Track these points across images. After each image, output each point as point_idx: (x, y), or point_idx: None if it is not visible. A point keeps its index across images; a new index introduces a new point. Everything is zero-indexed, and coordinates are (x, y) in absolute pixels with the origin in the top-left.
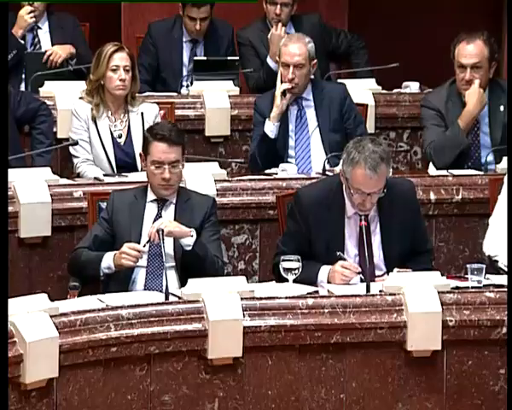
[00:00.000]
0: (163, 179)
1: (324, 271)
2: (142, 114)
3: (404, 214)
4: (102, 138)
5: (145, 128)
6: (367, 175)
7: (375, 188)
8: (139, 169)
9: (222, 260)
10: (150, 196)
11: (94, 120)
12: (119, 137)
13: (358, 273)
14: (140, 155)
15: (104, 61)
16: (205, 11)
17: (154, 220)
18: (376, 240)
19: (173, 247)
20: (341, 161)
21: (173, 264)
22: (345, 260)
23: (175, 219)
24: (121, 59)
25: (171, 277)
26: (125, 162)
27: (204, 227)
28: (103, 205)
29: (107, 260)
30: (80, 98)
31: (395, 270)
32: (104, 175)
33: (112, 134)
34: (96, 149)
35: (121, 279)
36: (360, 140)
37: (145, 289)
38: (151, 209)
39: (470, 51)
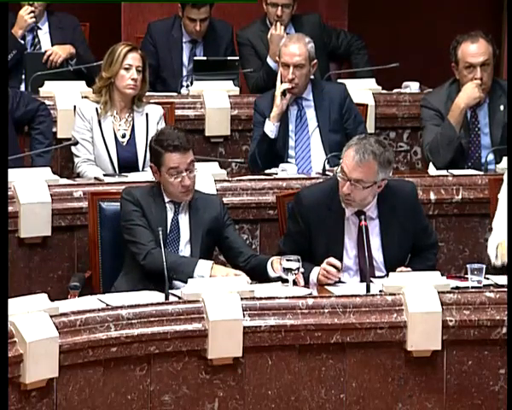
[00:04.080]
0: (183, 187)
1: (315, 271)
2: (146, 115)
3: (405, 218)
4: (105, 138)
5: (149, 130)
6: (352, 156)
7: (356, 174)
8: (140, 169)
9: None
10: (166, 197)
11: (98, 119)
12: (123, 136)
13: (338, 271)
14: (151, 166)
15: (118, 60)
16: (205, 12)
17: (172, 222)
18: (376, 243)
19: (190, 247)
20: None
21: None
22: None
23: (189, 221)
24: (134, 59)
25: None
26: (127, 162)
27: (227, 230)
28: (104, 205)
29: (203, 270)
30: (85, 97)
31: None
32: (104, 175)
33: (115, 134)
34: (98, 148)
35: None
36: (366, 135)
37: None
38: (169, 211)
39: (477, 50)
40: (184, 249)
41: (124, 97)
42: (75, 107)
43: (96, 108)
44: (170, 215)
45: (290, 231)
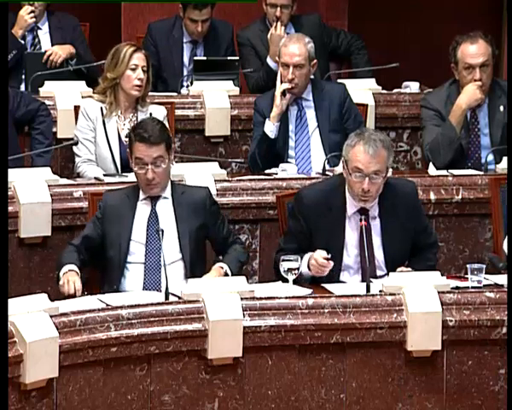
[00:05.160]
0: (147, 180)
1: (306, 257)
2: (150, 114)
3: (406, 217)
4: (109, 138)
5: None
6: (364, 150)
7: (373, 167)
8: None
9: (237, 237)
10: (142, 194)
11: (103, 119)
12: (127, 136)
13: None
14: (127, 152)
15: (124, 60)
16: (206, 13)
17: (149, 217)
18: (377, 241)
19: (178, 241)
20: (343, 149)
21: (180, 256)
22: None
23: (175, 215)
24: (140, 59)
25: (177, 270)
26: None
27: (211, 222)
28: None
29: (62, 272)
30: (89, 97)
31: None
32: (104, 175)
33: (119, 134)
34: (101, 148)
35: (116, 275)
36: (361, 129)
37: (144, 285)
38: (144, 208)
39: (477, 51)
40: (171, 244)
41: (129, 98)
42: (75, 107)
43: (101, 108)
44: (145, 213)
45: (291, 229)
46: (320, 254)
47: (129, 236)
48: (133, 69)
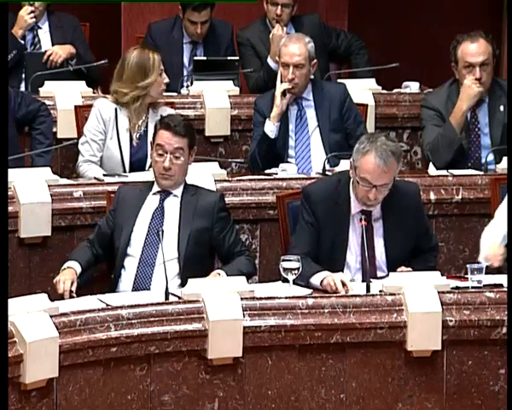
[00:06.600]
0: (163, 168)
1: (320, 276)
2: (161, 116)
3: (408, 218)
4: (121, 140)
5: None
6: (375, 163)
7: (382, 180)
8: (146, 169)
9: (246, 249)
10: (155, 188)
11: (116, 121)
12: (139, 138)
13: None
14: (151, 142)
15: (155, 67)
16: (205, 15)
17: (155, 211)
18: (379, 243)
19: (177, 240)
20: (354, 151)
21: (176, 255)
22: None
23: (180, 212)
24: (162, 62)
25: (171, 268)
26: (138, 162)
27: (217, 228)
28: None
29: (61, 268)
30: (104, 97)
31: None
32: (104, 175)
33: (130, 136)
34: (111, 149)
35: (117, 265)
36: (374, 133)
37: (135, 280)
38: (153, 201)
39: (477, 50)
40: (169, 241)
41: (152, 101)
42: (75, 107)
43: (115, 109)
44: (152, 206)
45: (306, 220)
46: (341, 278)
47: (132, 226)
48: (160, 74)
